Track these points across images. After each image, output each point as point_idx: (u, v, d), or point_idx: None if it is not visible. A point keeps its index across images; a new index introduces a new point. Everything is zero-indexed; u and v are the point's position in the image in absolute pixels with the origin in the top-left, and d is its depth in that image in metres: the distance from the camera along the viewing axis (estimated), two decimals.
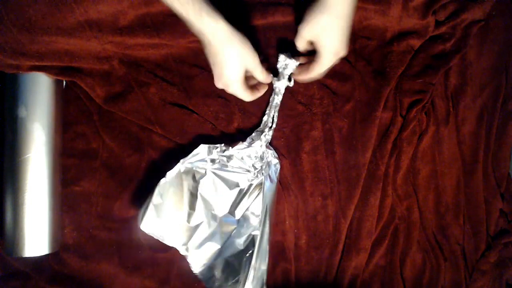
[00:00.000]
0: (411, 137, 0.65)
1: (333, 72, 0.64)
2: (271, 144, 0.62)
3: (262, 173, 0.59)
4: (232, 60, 0.49)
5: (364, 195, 0.64)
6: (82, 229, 0.58)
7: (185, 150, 0.58)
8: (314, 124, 0.63)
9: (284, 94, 0.61)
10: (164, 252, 0.59)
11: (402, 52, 0.66)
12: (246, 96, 0.55)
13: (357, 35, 0.65)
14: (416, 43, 0.66)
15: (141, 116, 0.60)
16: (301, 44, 0.54)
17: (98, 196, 0.58)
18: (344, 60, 0.65)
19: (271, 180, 0.58)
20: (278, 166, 0.60)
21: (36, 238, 0.52)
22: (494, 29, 0.68)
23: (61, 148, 0.57)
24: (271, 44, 0.62)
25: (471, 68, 0.68)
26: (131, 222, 0.59)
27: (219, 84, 0.53)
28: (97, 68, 0.56)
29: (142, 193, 0.59)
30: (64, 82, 0.58)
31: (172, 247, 0.56)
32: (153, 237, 0.54)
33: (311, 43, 0.53)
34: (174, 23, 0.56)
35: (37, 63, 0.52)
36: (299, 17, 0.52)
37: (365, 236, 0.63)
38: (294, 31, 0.53)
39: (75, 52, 0.54)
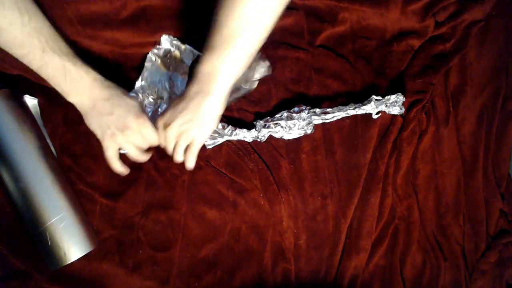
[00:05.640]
0: (411, 137, 0.65)
1: (333, 72, 0.64)
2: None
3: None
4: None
5: (364, 195, 0.64)
6: None
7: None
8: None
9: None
10: (164, 252, 0.59)
11: (402, 52, 0.66)
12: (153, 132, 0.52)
13: (356, 35, 0.65)
14: (416, 43, 0.66)
15: None
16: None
17: (100, 196, 0.59)
18: (344, 60, 0.65)
19: None
20: None
21: (76, 241, 0.53)
22: (494, 29, 0.68)
23: (53, 152, 0.57)
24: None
25: (471, 68, 0.68)
26: (133, 222, 0.59)
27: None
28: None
29: (144, 192, 0.60)
30: None
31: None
32: None
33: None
34: (169, 22, 0.56)
35: None
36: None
37: (365, 236, 0.63)
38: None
39: None
